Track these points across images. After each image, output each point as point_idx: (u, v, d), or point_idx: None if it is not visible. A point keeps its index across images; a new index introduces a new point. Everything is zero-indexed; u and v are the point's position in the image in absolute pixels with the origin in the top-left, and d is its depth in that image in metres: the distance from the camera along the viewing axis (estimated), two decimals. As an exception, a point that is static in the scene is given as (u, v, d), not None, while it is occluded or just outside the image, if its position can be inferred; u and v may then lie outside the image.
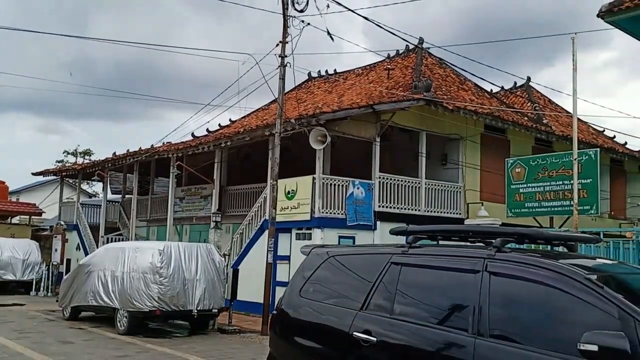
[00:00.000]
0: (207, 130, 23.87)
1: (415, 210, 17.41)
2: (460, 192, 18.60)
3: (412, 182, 17.54)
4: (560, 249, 5.00)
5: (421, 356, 4.14)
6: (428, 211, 17.66)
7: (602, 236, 8.83)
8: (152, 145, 21.97)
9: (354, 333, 4.51)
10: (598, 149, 14.18)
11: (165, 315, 12.99)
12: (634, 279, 4.18)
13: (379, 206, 16.55)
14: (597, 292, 3.48)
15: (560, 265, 3.75)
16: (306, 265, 5.50)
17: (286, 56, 14.00)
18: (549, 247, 5.12)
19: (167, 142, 21.23)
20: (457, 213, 18.28)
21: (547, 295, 3.72)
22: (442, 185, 18.23)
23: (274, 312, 5.60)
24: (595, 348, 3.18)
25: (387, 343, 4.34)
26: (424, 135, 17.82)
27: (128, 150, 22.85)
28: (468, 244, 4.92)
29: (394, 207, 16.91)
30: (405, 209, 17.17)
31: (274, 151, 14.41)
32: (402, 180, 17.28)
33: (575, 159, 9.57)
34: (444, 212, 18.04)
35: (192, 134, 22.93)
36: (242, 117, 24.80)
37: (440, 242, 5.17)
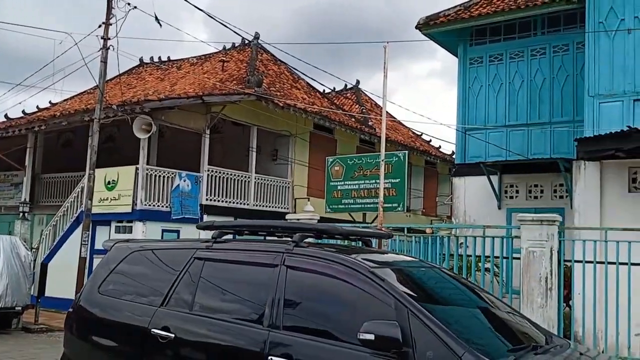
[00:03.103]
0: (23, 112, 21.78)
1: (244, 204, 17.48)
2: (288, 187, 19.03)
3: (242, 176, 17.58)
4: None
5: (218, 350, 4.13)
6: (257, 205, 17.83)
7: (406, 231, 9.56)
8: (-45, 125, 19.59)
9: (152, 330, 4.37)
10: (406, 152, 15.31)
11: (-42, 315, 11.71)
12: (419, 273, 4.52)
13: (207, 199, 16.38)
14: (378, 285, 3.70)
15: (348, 259, 3.94)
16: (108, 260, 5.23)
17: (109, 39, 13.26)
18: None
19: (-29, 123, 19.06)
20: (285, 208, 18.68)
21: (336, 287, 3.89)
22: (271, 180, 18.53)
23: (70, 309, 5.24)
24: (372, 337, 3.36)
25: (185, 339, 4.27)
26: (255, 130, 17.95)
27: None
28: (285, 239, 4.99)
29: (223, 201, 16.84)
30: (234, 202, 17.17)
31: (93, 138, 13.60)
32: (231, 174, 17.25)
33: (382, 160, 10.27)
34: (273, 207, 18.34)
35: (6, 116, 20.80)
36: (65, 100, 22.98)
37: (247, 237, 5.22)
